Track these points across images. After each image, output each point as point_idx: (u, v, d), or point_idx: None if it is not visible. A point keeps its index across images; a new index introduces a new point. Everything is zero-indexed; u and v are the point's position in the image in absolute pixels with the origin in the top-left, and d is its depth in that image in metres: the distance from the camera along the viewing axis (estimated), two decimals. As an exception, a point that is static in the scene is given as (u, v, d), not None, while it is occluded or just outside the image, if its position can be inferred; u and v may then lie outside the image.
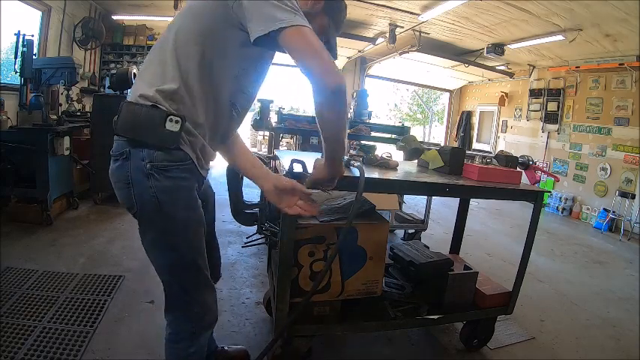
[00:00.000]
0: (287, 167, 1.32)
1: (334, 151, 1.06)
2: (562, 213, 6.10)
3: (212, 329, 1.24)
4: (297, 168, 1.23)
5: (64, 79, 3.28)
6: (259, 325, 1.94)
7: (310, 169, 1.19)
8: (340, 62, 8.53)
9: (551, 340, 2.14)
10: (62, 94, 3.94)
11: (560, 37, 5.21)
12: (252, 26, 0.91)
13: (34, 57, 3.30)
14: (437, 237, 3.76)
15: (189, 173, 1.02)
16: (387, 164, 1.72)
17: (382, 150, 2.43)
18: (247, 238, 2.33)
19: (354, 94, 5.84)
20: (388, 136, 4.26)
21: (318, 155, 1.21)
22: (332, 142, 1.03)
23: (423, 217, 3.43)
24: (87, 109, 4.57)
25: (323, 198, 1.62)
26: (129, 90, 1.04)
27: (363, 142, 4.04)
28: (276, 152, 2.22)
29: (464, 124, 9.34)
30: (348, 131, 1.04)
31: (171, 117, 0.95)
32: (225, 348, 1.60)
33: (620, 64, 5.33)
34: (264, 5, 0.90)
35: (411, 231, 3.51)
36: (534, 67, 7.11)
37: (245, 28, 0.94)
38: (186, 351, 1.11)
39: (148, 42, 6.85)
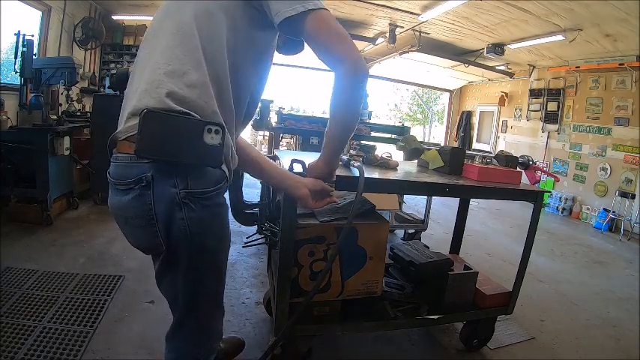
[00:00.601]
0: (287, 167, 1.32)
1: (338, 148, 1.03)
2: (562, 213, 6.10)
3: (216, 350, 1.14)
4: (297, 168, 1.22)
5: (64, 79, 3.28)
6: (259, 325, 1.94)
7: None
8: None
9: (551, 340, 2.14)
10: (62, 94, 3.94)
11: (560, 37, 5.21)
12: (277, 6, 0.84)
13: (34, 57, 3.30)
14: (437, 237, 3.76)
15: (224, 196, 0.88)
16: (387, 164, 1.72)
17: (382, 150, 2.43)
18: (247, 238, 2.33)
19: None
20: (388, 136, 4.26)
21: (318, 155, 1.21)
22: (341, 134, 0.99)
23: (423, 217, 3.43)
24: (87, 109, 4.58)
25: None
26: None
27: (363, 142, 4.04)
28: (276, 152, 2.22)
29: (464, 124, 9.34)
30: None
31: (210, 127, 0.78)
32: (221, 345, 1.57)
33: (620, 64, 5.33)
34: None
35: (411, 231, 3.51)
36: (534, 67, 7.11)
37: (261, 9, 0.88)
38: None
39: (148, 42, 6.85)
